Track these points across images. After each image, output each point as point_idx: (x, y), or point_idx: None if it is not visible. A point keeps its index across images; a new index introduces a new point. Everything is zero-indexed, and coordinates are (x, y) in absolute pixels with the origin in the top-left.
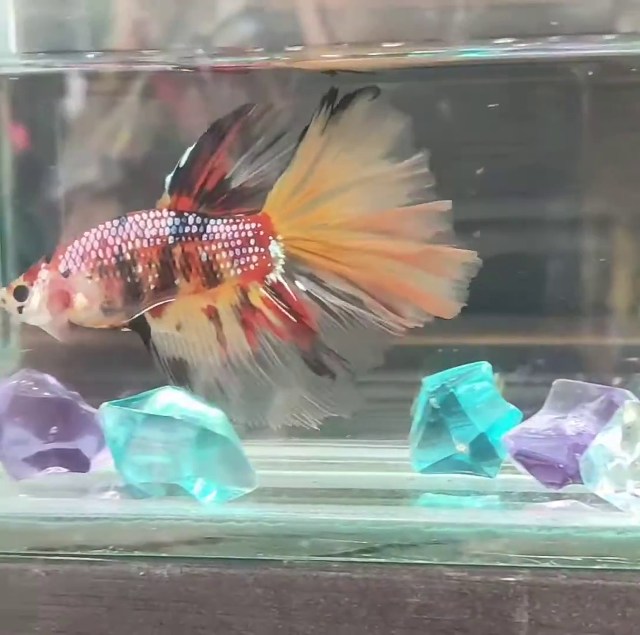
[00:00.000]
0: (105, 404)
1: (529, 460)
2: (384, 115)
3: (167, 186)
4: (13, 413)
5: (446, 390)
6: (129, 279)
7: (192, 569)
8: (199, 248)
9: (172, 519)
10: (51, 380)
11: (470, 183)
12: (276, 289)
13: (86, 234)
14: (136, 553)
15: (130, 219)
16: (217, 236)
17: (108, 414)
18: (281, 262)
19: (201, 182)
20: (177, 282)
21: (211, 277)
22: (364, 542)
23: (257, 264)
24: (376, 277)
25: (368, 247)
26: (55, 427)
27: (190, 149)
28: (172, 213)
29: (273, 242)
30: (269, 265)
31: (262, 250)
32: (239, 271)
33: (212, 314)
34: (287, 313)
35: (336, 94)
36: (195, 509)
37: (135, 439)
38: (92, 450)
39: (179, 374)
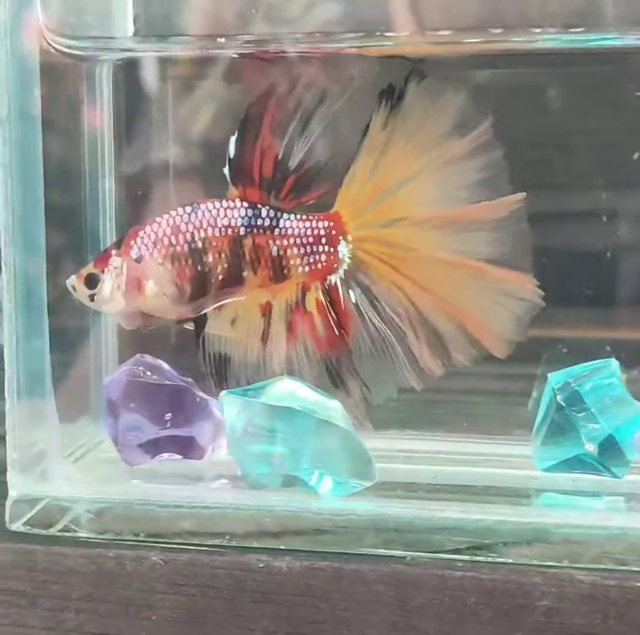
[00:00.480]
0: (224, 392)
1: None
2: (440, 93)
3: (228, 178)
4: (128, 399)
5: (571, 388)
6: (199, 268)
7: (312, 562)
8: (271, 242)
9: (291, 510)
10: (165, 366)
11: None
12: (332, 294)
13: (158, 219)
14: (254, 544)
15: (202, 206)
16: (290, 231)
17: (227, 403)
18: (345, 265)
19: (257, 169)
20: (245, 274)
21: (279, 272)
22: (486, 541)
23: (325, 263)
24: (436, 297)
25: (436, 256)
26: (169, 414)
27: (233, 137)
28: (245, 204)
29: (342, 242)
30: (335, 265)
31: (332, 249)
32: (306, 269)
33: (267, 311)
34: (333, 322)
35: (394, 90)
36: (314, 502)
37: (253, 428)
38: (206, 437)
39: (220, 370)
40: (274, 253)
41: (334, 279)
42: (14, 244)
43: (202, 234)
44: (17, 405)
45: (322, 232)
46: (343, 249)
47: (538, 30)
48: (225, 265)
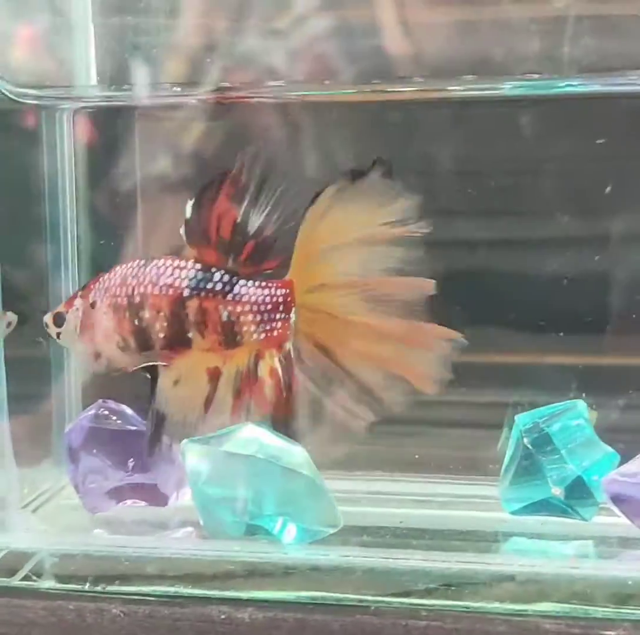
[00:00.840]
0: (186, 440)
1: (627, 505)
2: (388, 191)
3: (184, 238)
4: (90, 445)
5: (540, 429)
6: (137, 322)
7: (275, 613)
8: (221, 306)
9: (253, 559)
10: (128, 411)
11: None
12: (286, 360)
13: (116, 268)
14: (215, 593)
15: (154, 262)
16: (245, 298)
17: (189, 451)
18: (292, 331)
19: (214, 231)
20: (190, 335)
21: (230, 338)
22: (451, 587)
23: (280, 331)
24: (359, 352)
25: (354, 318)
26: (133, 460)
27: (190, 201)
28: (197, 266)
29: (294, 310)
30: (289, 332)
31: (287, 317)
32: (262, 336)
33: (215, 376)
34: (284, 387)
35: (353, 173)
36: (276, 550)
37: (216, 477)
38: (170, 484)
39: (158, 427)
40: (225, 318)
41: (288, 345)
42: None
43: (142, 289)
44: None
45: (280, 300)
46: (294, 316)
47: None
48: (165, 324)
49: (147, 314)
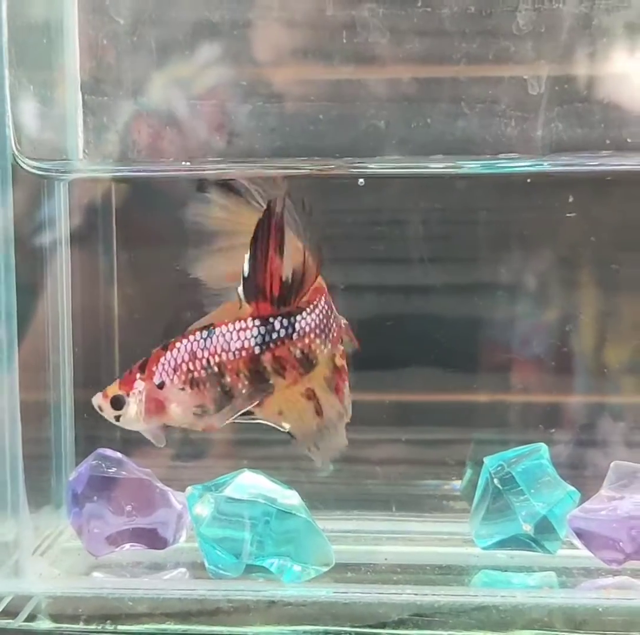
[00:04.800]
0: (190, 487)
1: (589, 539)
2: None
3: (242, 296)
4: (91, 492)
5: (506, 471)
6: (219, 389)
7: None
8: (292, 348)
9: (240, 597)
10: (125, 459)
11: None
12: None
13: (178, 345)
14: (203, 629)
15: (217, 330)
16: (307, 328)
17: (193, 496)
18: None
19: (268, 290)
20: (271, 382)
21: (307, 365)
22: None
23: (336, 331)
24: None
25: None
26: (131, 506)
27: (246, 256)
28: (257, 322)
29: (332, 305)
30: (342, 326)
31: (336, 315)
32: (329, 345)
33: (311, 395)
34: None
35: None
36: (275, 589)
37: (216, 520)
38: (168, 527)
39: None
40: (299, 355)
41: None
42: None
43: (217, 359)
44: None
45: (327, 306)
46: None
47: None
48: (246, 382)
49: (228, 379)
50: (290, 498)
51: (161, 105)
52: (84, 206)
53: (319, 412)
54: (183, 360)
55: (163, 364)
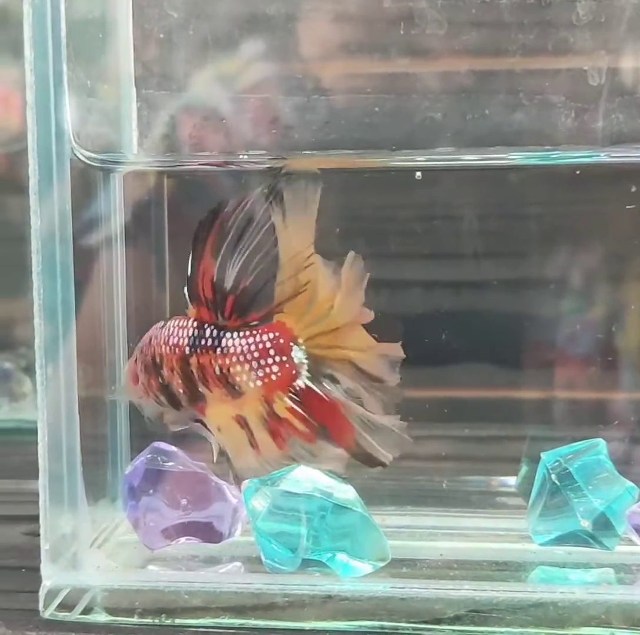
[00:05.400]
0: (246, 480)
1: None
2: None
3: (186, 296)
4: (147, 485)
5: (563, 467)
6: (160, 380)
7: None
8: (213, 361)
9: (296, 591)
10: (180, 452)
11: None
12: (304, 395)
13: (152, 329)
14: (259, 623)
15: (168, 323)
16: (231, 350)
17: (249, 490)
18: (306, 366)
19: (202, 290)
20: (201, 390)
21: (230, 389)
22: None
23: (279, 374)
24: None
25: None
26: (187, 499)
27: (190, 257)
28: (194, 323)
29: (295, 348)
30: (294, 372)
31: (284, 359)
32: (259, 383)
33: (242, 423)
34: (314, 419)
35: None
36: (331, 583)
37: (273, 514)
38: (224, 521)
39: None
40: (218, 371)
41: (302, 382)
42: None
43: (160, 350)
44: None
45: (268, 345)
46: (298, 354)
47: None
48: (179, 381)
49: (165, 373)
50: (346, 492)
51: (213, 99)
52: (137, 200)
53: (253, 444)
54: (144, 344)
55: (143, 341)
